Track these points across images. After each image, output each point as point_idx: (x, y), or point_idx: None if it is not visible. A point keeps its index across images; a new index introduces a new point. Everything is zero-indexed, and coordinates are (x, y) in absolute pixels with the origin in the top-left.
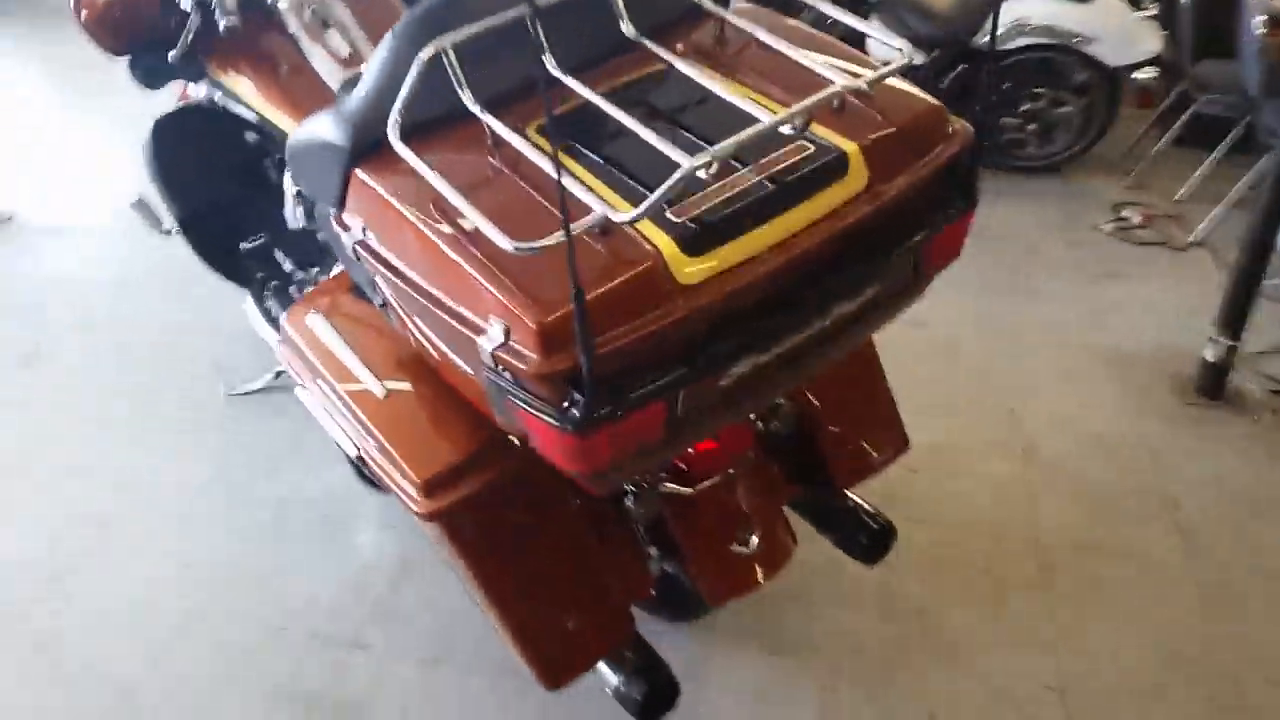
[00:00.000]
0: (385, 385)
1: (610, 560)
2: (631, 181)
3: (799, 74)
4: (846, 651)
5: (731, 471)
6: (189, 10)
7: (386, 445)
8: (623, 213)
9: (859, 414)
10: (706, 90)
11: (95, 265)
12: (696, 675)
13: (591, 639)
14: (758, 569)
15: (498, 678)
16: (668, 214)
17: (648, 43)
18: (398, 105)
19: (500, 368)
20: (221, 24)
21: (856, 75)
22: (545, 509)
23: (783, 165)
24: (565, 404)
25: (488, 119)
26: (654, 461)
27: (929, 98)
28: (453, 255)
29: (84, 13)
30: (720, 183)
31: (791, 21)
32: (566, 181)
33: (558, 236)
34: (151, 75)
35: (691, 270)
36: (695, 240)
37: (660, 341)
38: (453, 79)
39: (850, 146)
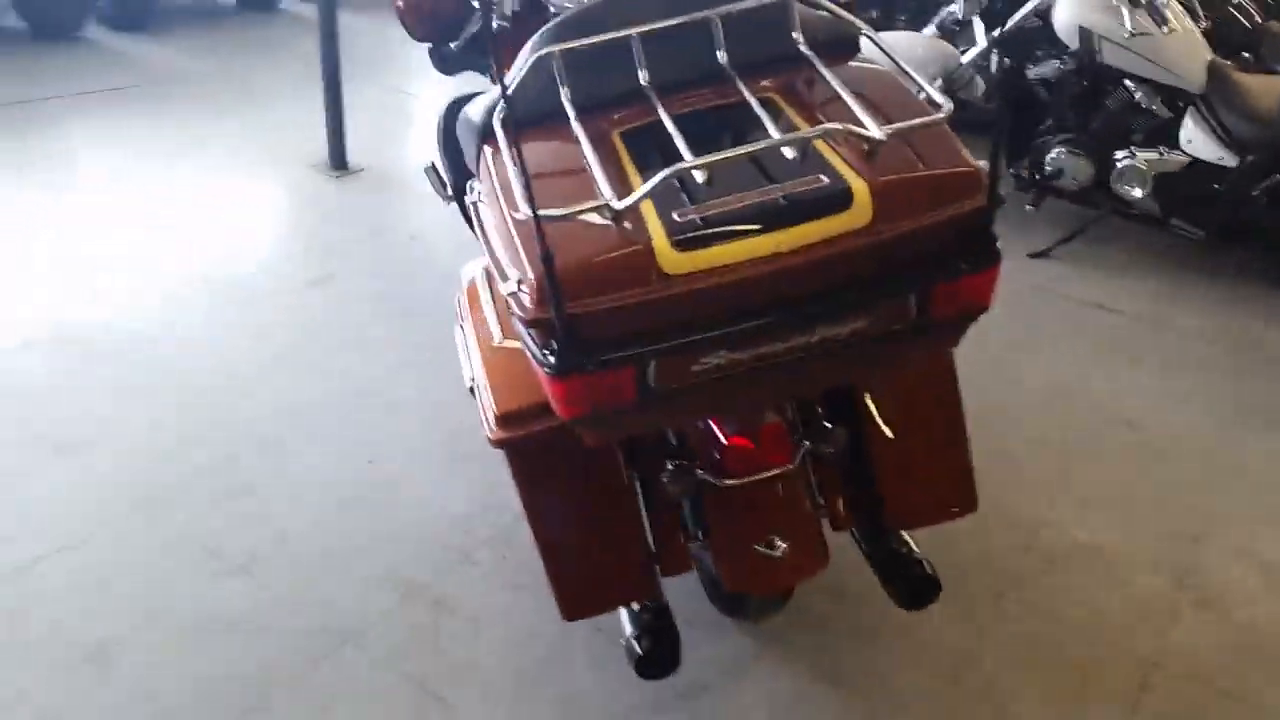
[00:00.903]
0: (504, 341)
1: (652, 526)
2: (679, 189)
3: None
4: (890, 701)
5: (769, 476)
6: (475, 7)
7: (485, 381)
8: (620, 200)
9: (926, 461)
10: (761, 122)
11: (399, 216)
12: (738, 674)
13: (614, 586)
14: (776, 573)
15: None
16: (674, 214)
17: (735, 76)
18: (503, 94)
19: (511, 310)
20: (495, 24)
21: (890, 123)
22: (600, 464)
23: (790, 191)
24: (548, 350)
25: (571, 115)
26: (637, 425)
27: (968, 158)
28: (502, 221)
29: (400, 4)
30: (730, 196)
31: (879, 68)
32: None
33: (560, 212)
34: (445, 63)
35: (677, 261)
36: (686, 237)
37: (639, 315)
38: (557, 80)
39: (860, 185)
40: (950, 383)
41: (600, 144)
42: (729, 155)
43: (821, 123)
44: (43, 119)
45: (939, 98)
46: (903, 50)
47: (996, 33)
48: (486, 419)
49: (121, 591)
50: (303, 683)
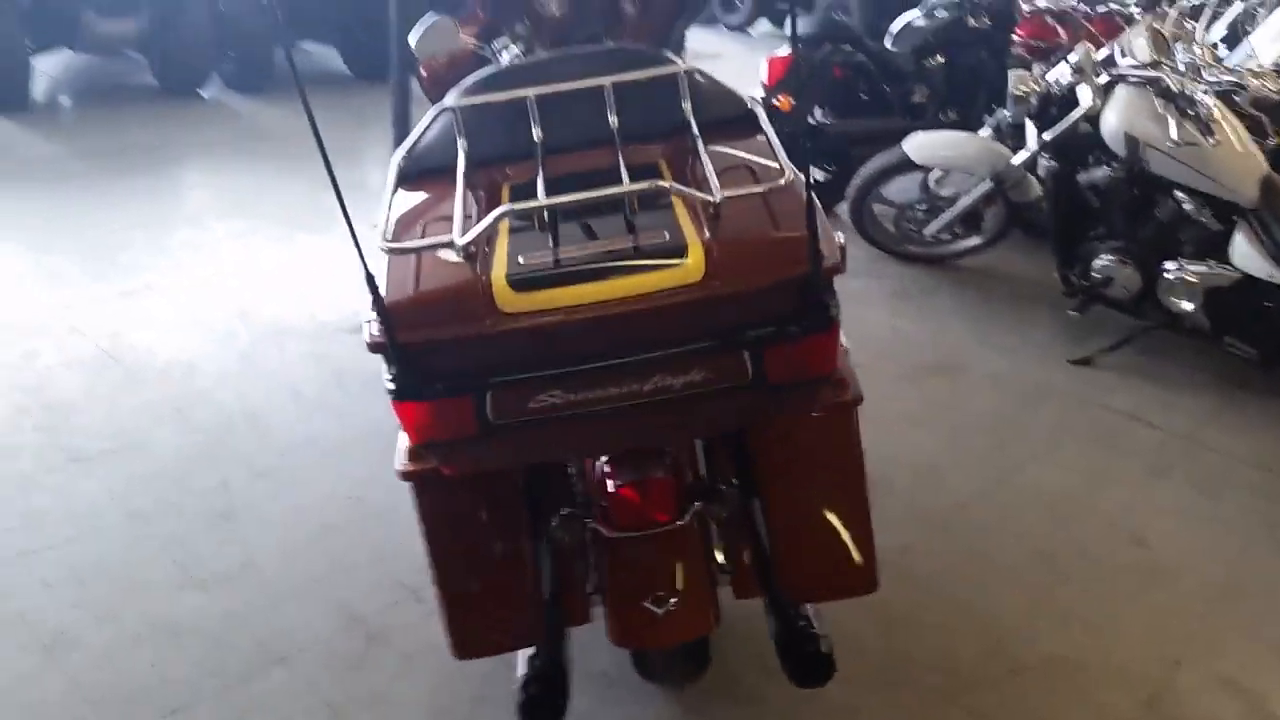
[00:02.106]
0: None
1: (556, 575)
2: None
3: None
4: None
5: (657, 532)
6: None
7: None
8: (460, 239)
9: (823, 536)
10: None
11: None
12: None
13: (504, 630)
14: (658, 630)
15: None
16: (520, 257)
17: (618, 141)
18: (405, 146)
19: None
20: None
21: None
22: (500, 507)
23: (630, 244)
24: (390, 377)
25: (460, 166)
26: (486, 457)
27: (796, 229)
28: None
29: (424, 73)
30: (576, 245)
31: (761, 140)
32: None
33: (403, 245)
34: None
35: (513, 300)
36: (524, 280)
37: (475, 349)
38: (456, 132)
39: (695, 244)
40: (854, 462)
41: (488, 193)
42: (558, 201)
43: (710, 191)
44: (152, 162)
45: (789, 169)
46: (952, 149)
47: (1046, 135)
48: (397, 452)
49: (92, 591)
50: (228, 694)
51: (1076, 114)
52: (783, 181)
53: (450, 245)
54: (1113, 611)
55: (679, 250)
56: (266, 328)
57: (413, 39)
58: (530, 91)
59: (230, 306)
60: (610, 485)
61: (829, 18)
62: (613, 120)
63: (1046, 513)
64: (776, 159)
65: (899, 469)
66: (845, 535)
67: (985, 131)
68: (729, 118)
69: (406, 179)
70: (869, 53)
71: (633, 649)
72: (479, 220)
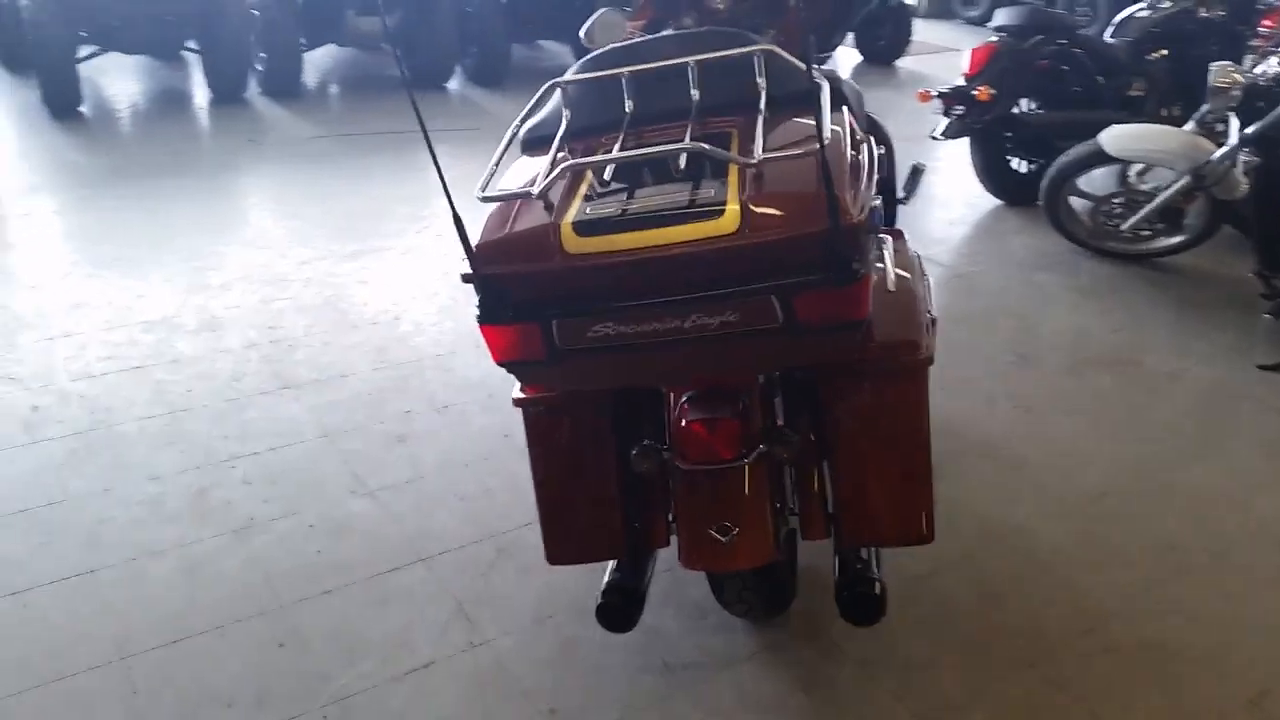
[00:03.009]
0: None
1: (644, 501)
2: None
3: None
4: None
5: (724, 467)
6: None
7: None
8: (535, 189)
9: (883, 486)
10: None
11: None
12: (724, 665)
13: (589, 543)
14: (721, 557)
15: None
16: (588, 208)
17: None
18: (520, 116)
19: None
20: None
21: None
22: (593, 434)
23: (674, 199)
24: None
25: (558, 134)
26: (556, 378)
27: (822, 187)
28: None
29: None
30: (638, 198)
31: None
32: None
33: (491, 193)
34: None
35: (578, 243)
36: (587, 225)
37: (544, 283)
38: (562, 106)
39: (734, 200)
40: (918, 420)
41: (582, 156)
42: (610, 158)
43: (752, 154)
44: (396, 147)
45: (828, 136)
46: (1148, 141)
47: (1249, 130)
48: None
49: (281, 490)
50: (376, 582)
51: None
52: (816, 146)
53: (528, 195)
54: (1233, 611)
55: (719, 205)
56: (463, 287)
57: (582, 32)
58: (625, 69)
59: (436, 268)
60: (684, 421)
61: (1038, 9)
62: (694, 94)
63: (1188, 510)
64: (838, 128)
65: (1036, 451)
66: (903, 488)
67: (1190, 125)
68: (800, 92)
69: (525, 146)
70: (1083, 44)
71: (698, 570)
72: (567, 180)
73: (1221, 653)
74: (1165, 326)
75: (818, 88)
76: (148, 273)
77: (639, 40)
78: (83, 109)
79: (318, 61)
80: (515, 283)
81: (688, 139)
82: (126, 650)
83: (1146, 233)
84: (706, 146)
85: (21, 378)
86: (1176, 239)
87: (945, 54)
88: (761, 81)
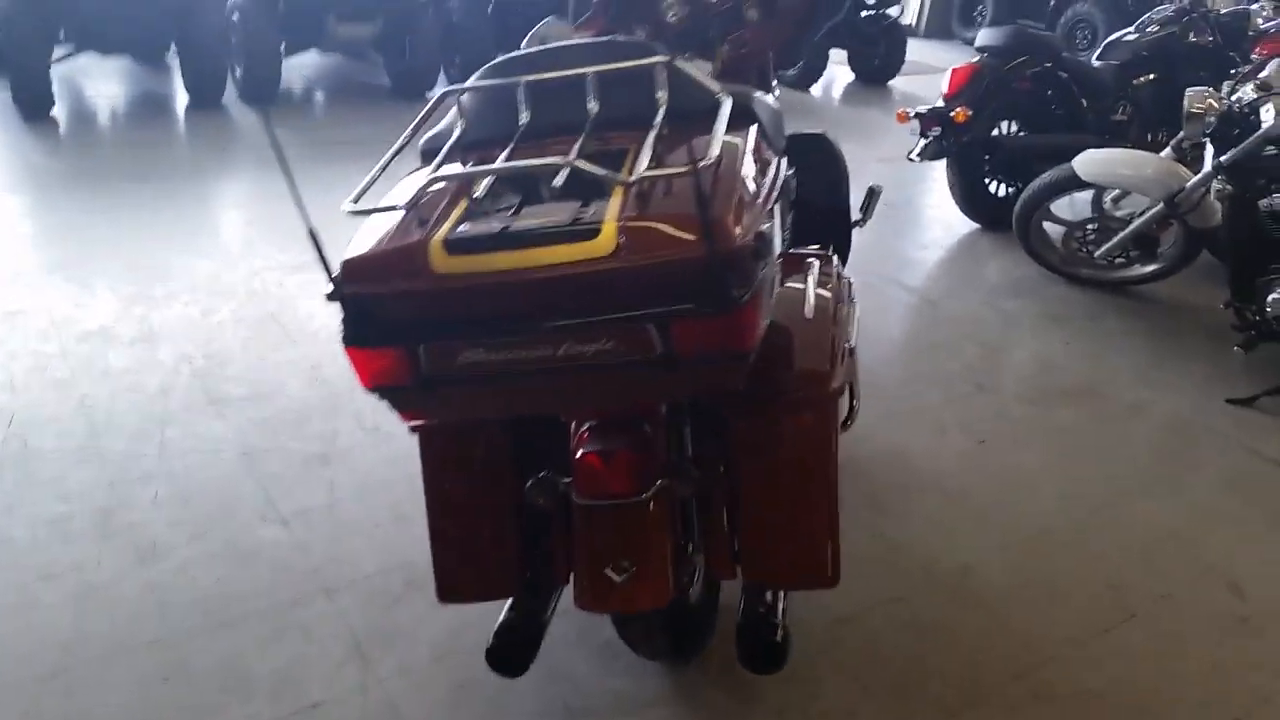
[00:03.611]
0: None
1: (537, 533)
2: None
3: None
4: None
5: (621, 503)
6: None
7: None
8: (402, 203)
9: (786, 524)
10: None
11: None
12: (626, 711)
13: (482, 580)
14: (615, 597)
15: None
16: (463, 226)
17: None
18: (411, 125)
19: None
20: None
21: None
22: (490, 464)
23: (555, 218)
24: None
25: (446, 146)
26: (427, 407)
27: (694, 213)
28: None
29: None
30: (514, 218)
31: (730, 140)
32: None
33: (360, 207)
34: None
35: (446, 262)
36: (458, 244)
37: (410, 304)
38: (458, 115)
39: (611, 221)
40: (825, 456)
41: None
42: (480, 170)
43: (637, 170)
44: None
45: (713, 156)
46: (1122, 167)
47: (1224, 158)
48: None
49: (191, 512)
50: (274, 615)
51: (1258, 134)
52: (699, 166)
53: (393, 209)
54: (1175, 657)
55: (597, 226)
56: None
57: (524, 43)
58: (521, 79)
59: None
60: (580, 452)
61: (1023, 29)
62: (591, 107)
63: (1136, 548)
64: (736, 144)
65: (984, 484)
66: (805, 527)
67: (1167, 152)
68: (704, 108)
69: (423, 156)
70: (1067, 67)
71: (592, 611)
72: (449, 194)
73: (1161, 705)
74: (1134, 356)
75: (714, 103)
76: (93, 281)
77: (538, 49)
78: (55, 111)
79: (300, 68)
80: (380, 303)
81: (573, 154)
82: (2, 686)
83: (1120, 260)
84: (580, 162)
85: None
86: (1151, 267)
87: (941, 75)
88: (662, 95)
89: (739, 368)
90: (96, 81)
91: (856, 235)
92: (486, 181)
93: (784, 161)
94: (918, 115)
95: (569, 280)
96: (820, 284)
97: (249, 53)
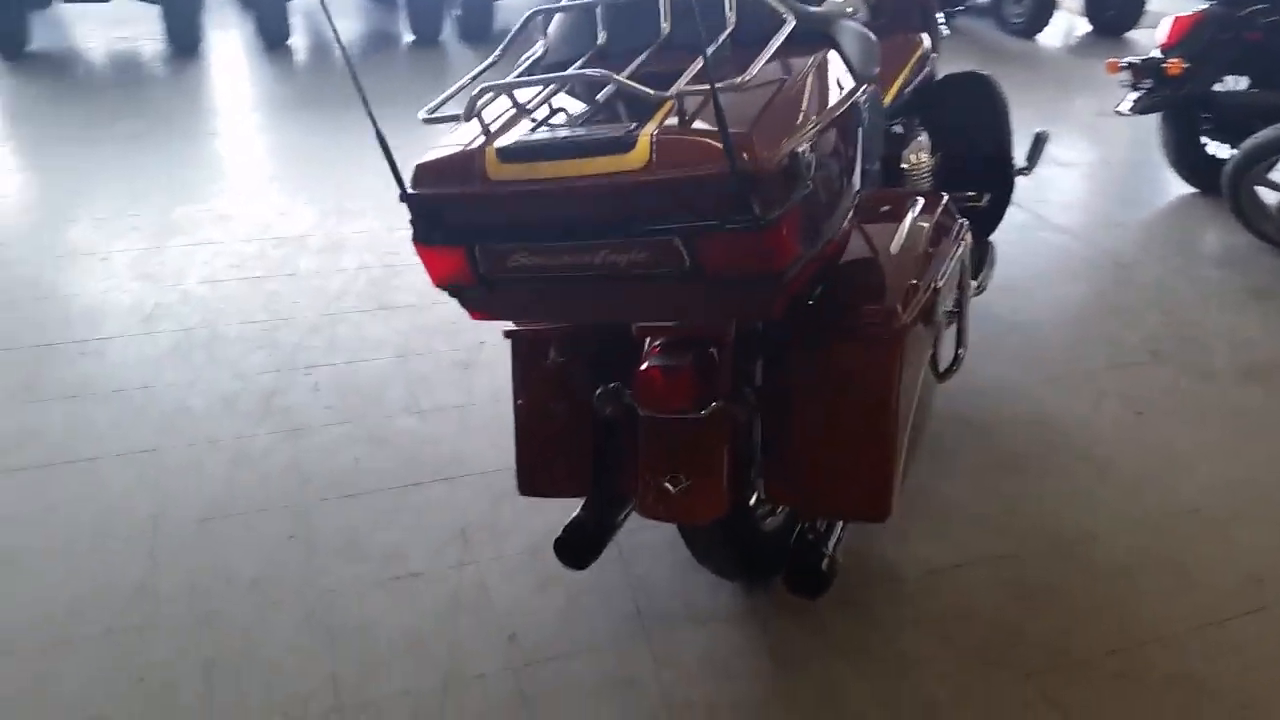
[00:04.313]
0: None
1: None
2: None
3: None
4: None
5: (680, 418)
6: None
7: None
8: (464, 113)
9: (840, 456)
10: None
11: None
12: (702, 619)
13: (559, 479)
14: (670, 508)
15: None
16: (519, 135)
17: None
18: (501, 45)
19: None
20: None
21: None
22: (576, 373)
23: (595, 131)
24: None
25: (528, 62)
26: (493, 306)
27: (723, 132)
28: None
29: None
30: (567, 129)
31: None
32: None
33: (427, 115)
34: None
35: (498, 169)
36: (508, 153)
37: (468, 208)
38: (540, 34)
39: (647, 135)
40: (885, 390)
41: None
42: (524, 80)
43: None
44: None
45: (753, 73)
46: None
47: None
48: None
49: (345, 401)
50: (397, 494)
51: None
52: (737, 81)
53: (456, 119)
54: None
55: (631, 139)
56: None
57: None
58: (599, 0)
59: None
60: (643, 365)
61: None
62: (664, 27)
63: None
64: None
65: (1133, 456)
66: (858, 460)
67: None
68: (774, 30)
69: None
70: None
71: (650, 519)
72: (516, 107)
73: (1266, 702)
74: None
75: (776, 20)
76: (300, 194)
77: None
78: (291, 42)
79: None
80: (442, 205)
81: (625, 73)
82: (160, 523)
83: None
84: (615, 76)
85: (156, 277)
86: None
87: None
88: (731, 16)
89: (771, 290)
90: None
91: (1042, 187)
92: (552, 96)
93: (866, 89)
94: (1129, 65)
95: (603, 190)
96: (916, 222)
97: None
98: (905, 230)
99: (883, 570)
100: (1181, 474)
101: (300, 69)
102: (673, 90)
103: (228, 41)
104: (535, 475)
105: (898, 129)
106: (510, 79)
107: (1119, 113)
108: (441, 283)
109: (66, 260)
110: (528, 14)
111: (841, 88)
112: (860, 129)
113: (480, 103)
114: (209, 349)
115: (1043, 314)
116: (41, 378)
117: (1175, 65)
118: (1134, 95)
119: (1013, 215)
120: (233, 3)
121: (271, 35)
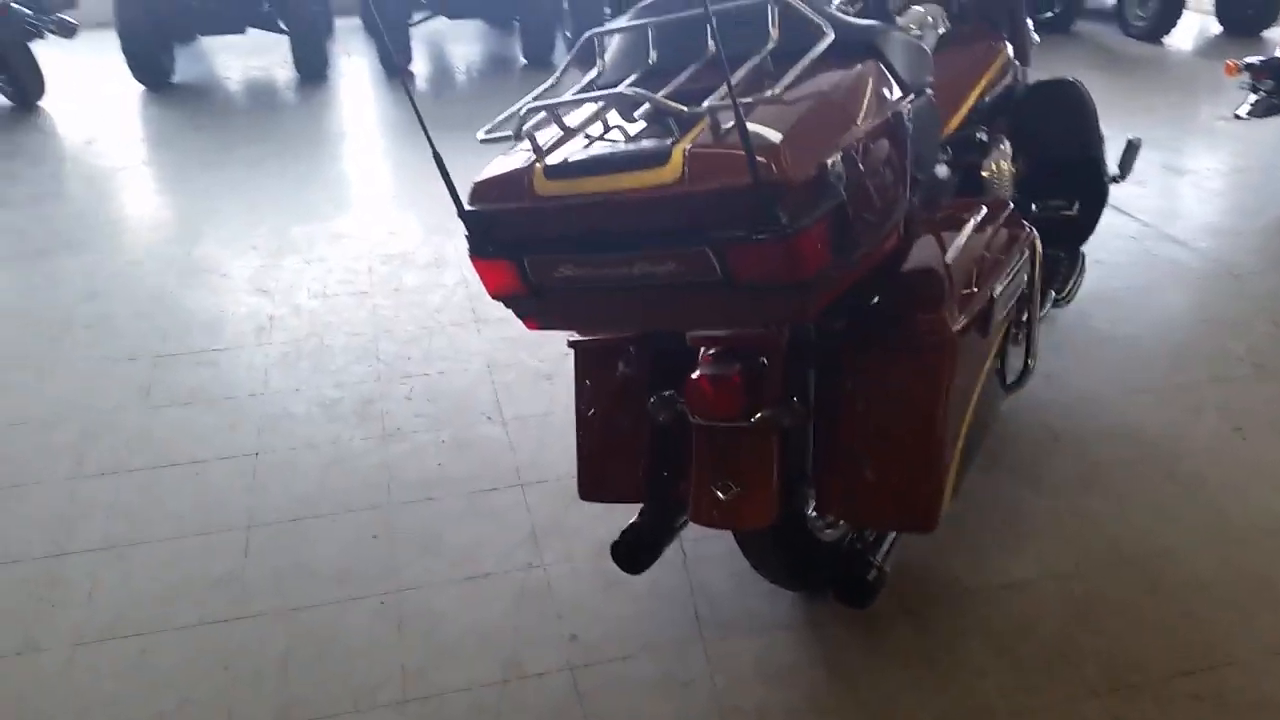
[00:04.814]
0: None
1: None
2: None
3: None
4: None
5: (730, 425)
6: None
7: None
8: (517, 133)
9: (887, 467)
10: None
11: None
12: (762, 629)
13: (617, 486)
14: (720, 514)
15: None
16: (568, 152)
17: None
18: (561, 66)
19: None
20: None
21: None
22: (636, 382)
23: (634, 147)
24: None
25: (581, 84)
26: (545, 316)
27: (745, 144)
28: None
29: None
30: (599, 145)
31: (837, 75)
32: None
33: (483, 135)
34: None
35: (544, 185)
36: (554, 170)
37: (519, 222)
38: (596, 54)
39: (679, 150)
40: (934, 400)
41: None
42: (569, 99)
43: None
44: None
45: (781, 88)
46: None
47: None
48: None
49: (434, 408)
50: (470, 497)
51: None
52: (766, 94)
53: (509, 138)
54: None
55: (665, 153)
56: None
57: None
58: (650, 20)
59: None
60: (695, 374)
61: None
62: (711, 46)
63: None
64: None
65: (1225, 472)
66: (903, 470)
67: None
68: (803, 42)
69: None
70: None
71: (702, 525)
72: (574, 131)
73: None
74: None
75: (818, 35)
76: (410, 213)
77: None
78: (412, 68)
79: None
80: (495, 220)
81: (663, 91)
82: (254, 520)
83: None
84: (649, 94)
85: (271, 291)
86: None
87: None
88: (773, 32)
89: (803, 297)
90: (452, 44)
91: (1156, 195)
92: (600, 115)
93: (913, 99)
94: (1248, 67)
95: (640, 203)
96: (978, 231)
97: (577, 20)
98: (964, 239)
99: (950, 582)
100: (1275, 492)
101: (420, 94)
102: (704, 105)
103: (354, 68)
104: (594, 481)
105: (982, 136)
106: (554, 99)
107: (1237, 117)
108: (497, 294)
109: (191, 276)
110: (584, 37)
111: (885, 99)
112: (907, 139)
113: (530, 123)
114: (315, 359)
115: (1144, 325)
116: (160, 384)
117: (1232, 66)
118: (1254, 98)
119: (1122, 224)
120: (360, 31)
121: (392, 62)
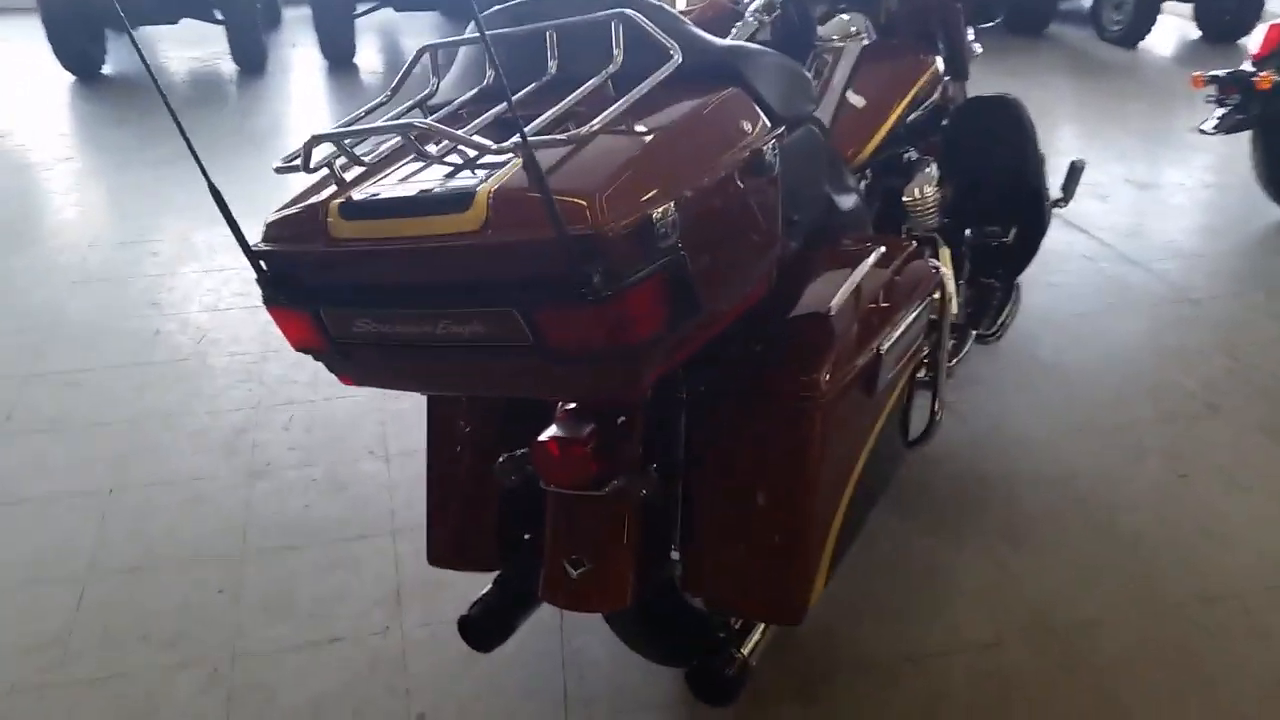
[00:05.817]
0: None
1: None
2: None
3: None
4: None
5: (579, 495)
6: None
7: None
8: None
9: (747, 546)
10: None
11: None
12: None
13: (467, 552)
14: (569, 594)
15: None
16: (368, 187)
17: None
18: (392, 84)
19: None
20: None
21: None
22: (486, 441)
23: (440, 186)
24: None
25: (413, 103)
26: (351, 372)
27: (543, 191)
28: None
29: None
30: (404, 183)
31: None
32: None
33: (281, 166)
34: None
35: (341, 227)
36: (351, 209)
37: (313, 267)
38: (431, 71)
39: (485, 192)
40: (800, 468)
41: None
42: (352, 130)
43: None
44: None
45: (604, 120)
46: None
47: None
48: None
49: (309, 439)
50: (333, 545)
51: None
52: (588, 130)
53: (295, 169)
54: None
55: (467, 196)
56: None
57: None
58: (488, 33)
59: None
60: (541, 435)
61: None
62: (551, 65)
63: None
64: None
65: (1167, 529)
66: (765, 549)
67: None
68: (655, 66)
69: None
70: None
71: (548, 603)
72: (381, 161)
73: None
74: None
75: (666, 57)
76: None
77: (518, 1)
78: (356, 59)
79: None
80: (289, 265)
81: (476, 121)
82: (95, 569)
83: None
84: (427, 123)
85: (162, 304)
86: None
87: None
88: (617, 53)
89: (633, 366)
90: (407, 37)
91: (1112, 213)
92: (417, 145)
93: (784, 130)
94: (1214, 79)
95: (440, 254)
96: (871, 274)
97: None
98: (853, 283)
99: (851, 654)
100: (1223, 552)
101: (367, 87)
102: (509, 142)
103: (299, 60)
104: (444, 546)
105: (910, 157)
106: (340, 129)
107: (1202, 131)
108: (298, 347)
109: (81, 286)
110: (416, 51)
111: (744, 133)
112: (776, 178)
113: (317, 152)
114: (193, 381)
115: (1092, 355)
116: (23, 408)
117: (1266, 79)
118: (1220, 112)
119: (1079, 243)
120: (309, 22)
121: (335, 53)
